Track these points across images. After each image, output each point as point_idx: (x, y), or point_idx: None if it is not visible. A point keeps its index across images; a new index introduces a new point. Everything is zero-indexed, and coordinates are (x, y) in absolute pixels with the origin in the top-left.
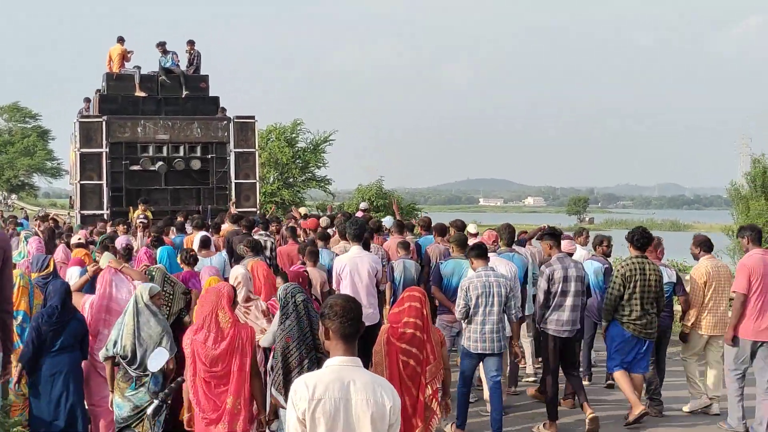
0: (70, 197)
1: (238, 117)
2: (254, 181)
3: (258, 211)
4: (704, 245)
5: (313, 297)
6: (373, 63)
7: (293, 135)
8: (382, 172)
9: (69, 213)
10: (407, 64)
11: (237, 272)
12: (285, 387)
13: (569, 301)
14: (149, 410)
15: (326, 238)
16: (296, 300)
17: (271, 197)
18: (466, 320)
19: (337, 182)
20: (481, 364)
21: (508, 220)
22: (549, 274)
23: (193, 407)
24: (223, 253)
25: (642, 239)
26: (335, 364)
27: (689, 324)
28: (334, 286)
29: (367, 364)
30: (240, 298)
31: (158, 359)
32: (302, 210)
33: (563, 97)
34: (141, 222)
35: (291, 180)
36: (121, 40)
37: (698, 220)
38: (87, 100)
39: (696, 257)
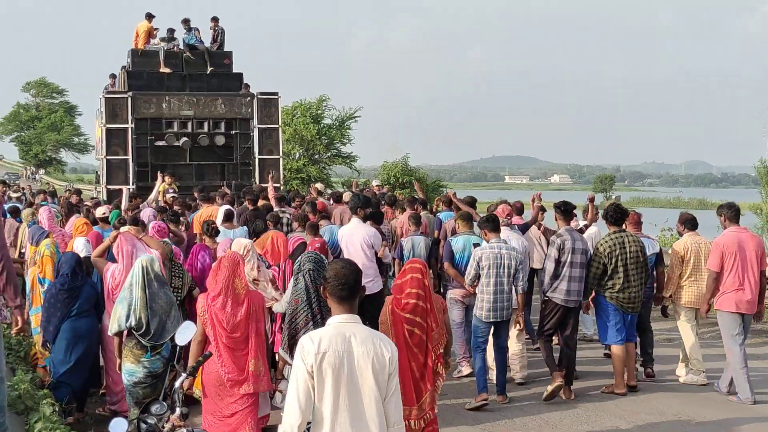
0: (96, 172)
1: (261, 93)
2: (278, 156)
3: (281, 187)
4: (688, 223)
5: None
6: (399, 40)
7: (319, 111)
8: (407, 148)
9: (95, 188)
10: (433, 41)
11: (242, 242)
12: (291, 347)
13: (576, 272)
14: (177, 384)
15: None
16: (305, 268)
17: (297, 173)
18: (475, 286)
19: (362, 159)
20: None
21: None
22: (560, 244)
23: (215, 368)
24: (244, 228)
25: (616, 214)
26: (336, 322)
27: (667, 296)
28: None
29: None
30: (249, 267)
31: (186, 333)
32: (318, 186)
33: (589, 73)
34: (171, 197)
35: (317, 156)
36: (149, 16)
37: (726, 198)
38: (113, 76)
39: (680, 233)
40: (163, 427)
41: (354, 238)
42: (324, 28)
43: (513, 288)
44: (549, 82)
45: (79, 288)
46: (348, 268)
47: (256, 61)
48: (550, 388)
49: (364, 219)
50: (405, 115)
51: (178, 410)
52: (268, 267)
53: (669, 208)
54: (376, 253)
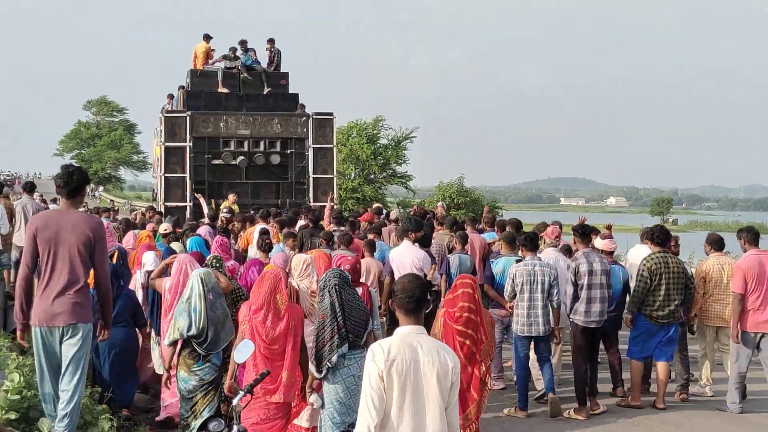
0: (153, 190)
1: (316, 113)
2: (332, 176)
3: (335, 206)
4: (715, 244)
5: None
6: (455, 62)
7: (374, 131)
8: (463, 169)
9: (153, 205)
10: (489, 63)
11: (301, 257)
12: (317, 360)
13: (596, 293)
14: (234, 401)
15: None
16: (330, 283)
17: (353, 193)
18: (513, 302)
19: (418, 179)
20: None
21: (590, 220)
22: (575, 268)
23: (249, 377)
24: (281, 245)
25: (662, 235)
26: (403, 332)
27: (692, 315)
28: (386, 275)
29: None
30: (309, 282)
31: (244, 351)
32: (376, 206)
33: (647, 96)
34: (224, 216)
35: (372, 176)
36: (207, 37)
37: None
38: (170, 96)
39: (707, 253)
40: None
41: (404, 260)
42: (382, 51)
43: (549, 303)
44: (606, 103)
45: (115, 298)
46: (415, 282)
47: (313, 83)
48: (571, 414)
49: (414, 242)
50: (461, 135)
51: (235, 428)
52: None
53: (727, 231)
54: (425, 276)
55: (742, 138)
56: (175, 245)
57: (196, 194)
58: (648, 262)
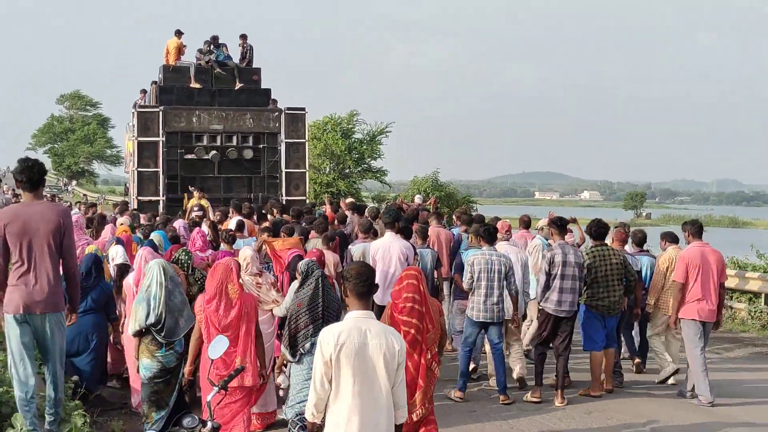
0: (125, 184)
1: (289, 108)
2: (304, 170)
3: (306, 200)
4: (669, 237)
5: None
6: (429, 60)
7: (349, 126)
8: (437, 164)
9: (126, 199)
10: (463, 61)
11: (245, 253)
12: (291, 345)
13: (567, 284)
14: (209, 397)
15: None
16: (316, 273)
17: (327, 188)
18: (470, 291)
19: (392, 173)
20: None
21: (564, 213)
22: (550, 258)
23: (206, 363)
24: (253, 238)
25: (599, 229)
26: (353, 317)
27: (651, 304)
28: None
29: None
30: (249, 272)
31: (218, 346)
32: (349, 200)
33: (620, 90)
34: (196, 215)
35: (347, 171)
36: (178, 33)
37: (758, 216)
38: (143, 91)
39: (663, 248)
40: None
41: (391, 251)
42: (359, 46)
43: (507, 291)
44: (579, 98)
45: (91, 288)
46: (367, 268)
47: (287, 78)
48: (529, 397)
49: (397, 233)
50: (435, 130)
51: (209, 424)
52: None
53: None
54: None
55: (715, 133)
56: (155, 236)
57: (202, 199)
58: (585, 256)
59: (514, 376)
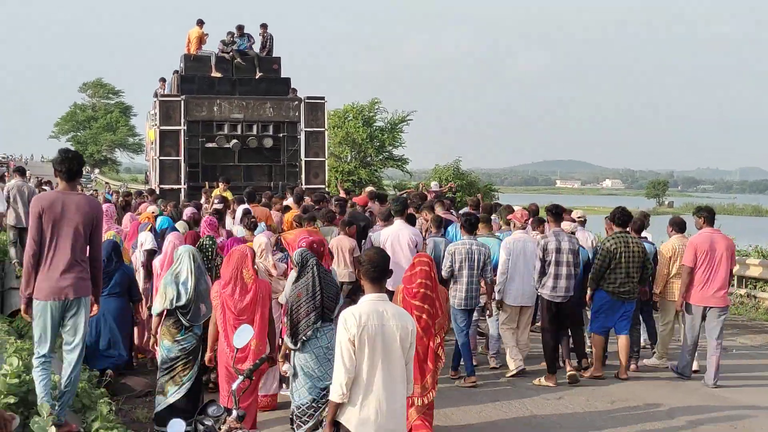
0: (146, 172)
1: (308, 97)
2: (323, 159)
3: (325, 188)
4: (676, 225)
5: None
6: (453, 47)
7: (371, 114)
8: (459, 152)
9: (150, 187)
10: (486, 50)
11: (260, 240)
12: (293, 334)
13: (562, 270)
14: (233, 386)
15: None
16: (311, 262)
17: (349, 176)
18: (451, 279)
19: (414, 162)
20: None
21: (585, 202)
22: (543, 245)
23: (223, 347)
24: (263, 224)
25: (623, 217)
26: (369, 299)
27: (657, 292)
28: None
29: None
30: (267, 261)
31: (243, 335)
32: (370, 189)
33: (644, 78)
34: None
35: (368, 159)
36: (200, 23)
37: None
38: (162, 80)
39: (669, 235)
40: (220, 429)
41: (401, 238)
42: (380, 36)
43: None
44: (602, 86)
45: (112, 272)
46: (380, 254)
47: (309, 68)
48: (542, 381)
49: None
50: (457, 118)
51: (234, 412)
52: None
53: (723, 214)
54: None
55: (739, 121)
56: (180, 225)
57: (226, 191)
58: (608, 242)
59: (512, 366)
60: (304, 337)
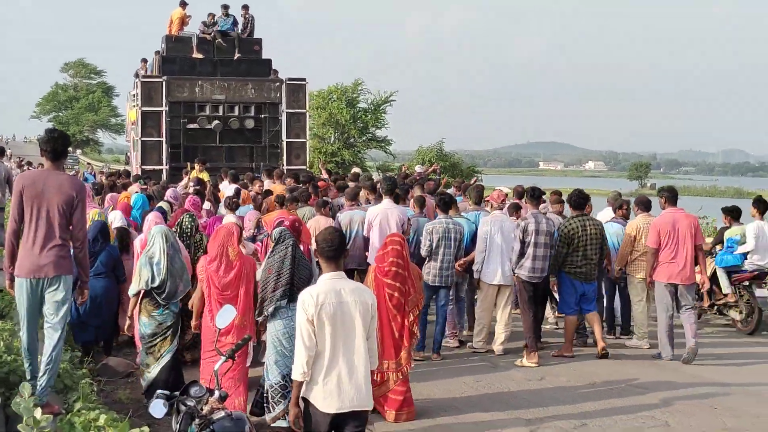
0: (126, 153)
1: (290, 79)
2: (304, 140)
3: (307, 169)
4: (642, 204)
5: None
6: (435, 29)
7: (354, 95)
8: (442, 133)
9: (126, 168)
10: (469, 29)
11: (229, 220)
12: (258, 310)
13: (540, 251)
14: (216, 366)
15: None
16: (287, 241)
17: (332, 157)
18: (428, 257)
19: (397, 143)
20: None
21: (568, 184)
22: (524, 227)
23: (207, 321)
24: (250, 206)
25: (579, 200)
26: (326, 278)
27: (617, 269)
28: (364, 233)
29: None
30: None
31: (226, 316)
32: (355, 170)
33: (625, 60)
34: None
35: (351, 140)
36: (183, 4)
37: (763, 187)
38: (144, 60)
39: (636, 214)
40: (202, 409)
41: (390, 217)
42: (362, 18)
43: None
44: (585, 67)
45: (98, 252)
46: (335, 233)
47: (290, 49)
48: (524, 362)
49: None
50: (440, 100)
51: (216, 392)
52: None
53: (705, 196)
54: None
55: (721, 104)
56: (164, 204)
57: (202, 172)
58: (564, 227)
59: (496, 349)
60: (266, 312)
